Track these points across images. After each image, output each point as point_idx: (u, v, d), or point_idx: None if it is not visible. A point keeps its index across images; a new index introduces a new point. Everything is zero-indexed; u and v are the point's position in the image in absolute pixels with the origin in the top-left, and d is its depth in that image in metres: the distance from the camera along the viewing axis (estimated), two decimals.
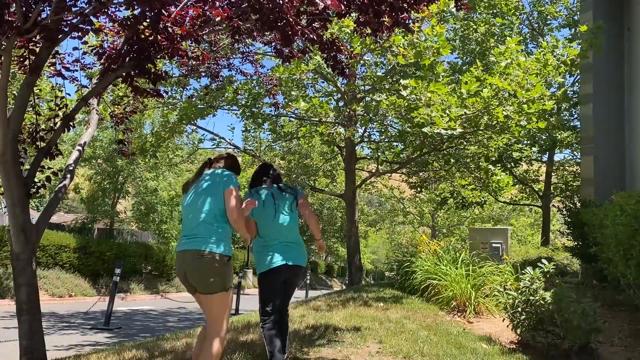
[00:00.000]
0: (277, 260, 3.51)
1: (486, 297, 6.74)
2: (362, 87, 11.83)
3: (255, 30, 3.93)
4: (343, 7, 3.51)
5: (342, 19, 4.14)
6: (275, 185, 3.71)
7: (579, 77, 12.33)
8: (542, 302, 4.49)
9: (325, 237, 34.59)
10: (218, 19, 3.48)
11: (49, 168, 4.29)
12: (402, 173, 14.91)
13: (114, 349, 4.75)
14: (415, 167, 13.81)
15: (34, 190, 3.88)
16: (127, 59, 3.58)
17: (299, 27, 3.39)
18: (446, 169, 12.85)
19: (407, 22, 3.92)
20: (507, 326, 5.04)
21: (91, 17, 3.51)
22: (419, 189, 15.57)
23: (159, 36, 3.41)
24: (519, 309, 4.71)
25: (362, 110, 10.80)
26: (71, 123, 4.14)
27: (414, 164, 13.24)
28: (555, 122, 13.50)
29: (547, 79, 9.36)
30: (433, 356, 4.24)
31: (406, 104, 8.47)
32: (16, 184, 3.57)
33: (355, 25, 3.93)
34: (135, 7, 3.31)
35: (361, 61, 10.61)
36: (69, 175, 4.22)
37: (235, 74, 12.23)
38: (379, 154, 13.72)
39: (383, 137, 13.67)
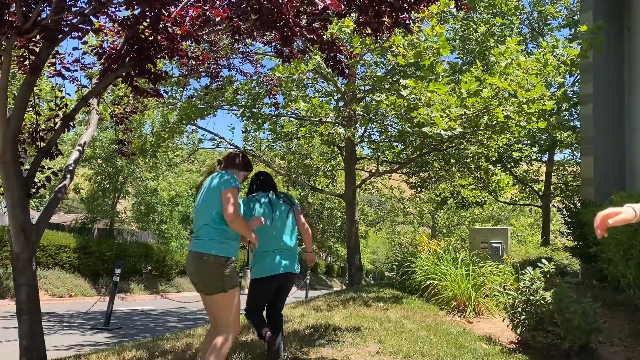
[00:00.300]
0: (273, 267, 3.55)
1: (486, 297, 6.74)
2: (362, 87, 11.83)
3: (255, 30, 3.94)
4: (343, 7, 3.51)
5: (342, 19, 4.14)
6: (272, 192, 3.73)
7: (579, 77, 12.33)
8: (542, 302, 4.49)
9: (325, 237, 34.62)
10: (218, 19, 3.48)
11: (49, 168, 4.29)
12: (402, 173, 14.90)
13: (114, 349, 4.75)
14: (415, 167, 13.81)
15: (34, 190, 3.88)
16: (127, 59, 3.58)
17: (298, 27, 3.39)
18: (446, 169, 12.85)
19: (407, 22, 3.92)
20: (507, 326, 5.04)
21: (91, 17, 3.51)
22: (419, 189, 15.57)
23: (159, 36, 3.41)
24: (519, 309, 4.71)
25: (362, 110, 10.80)
26: (71, 123, 4.14)
27: (414, 164, 13.23)
28: (555, 122, 13.50)
29: (547, 79, 9.36)
30: (433, 356, 4.25)
31: (406, 104, 8.47)
32: (16, 184, 3.57)
33: (355, 26, 3.94)
34: (135, 7, 3.31)
35: (361, 61, 10.61)
36: (69, 175, 4.22)
37: (235, 74, 12.26)
38: (379, 154, 13.72)
39: (383, 137, 13.67)
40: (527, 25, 16.57)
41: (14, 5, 3.08)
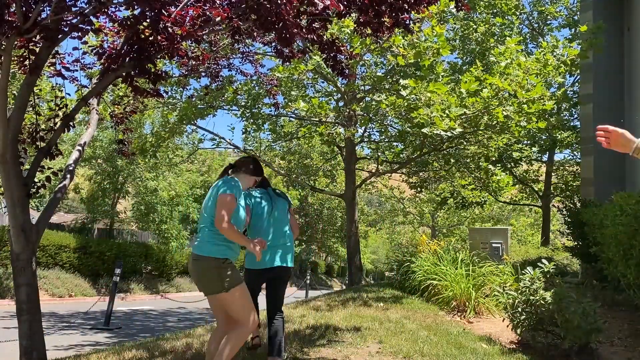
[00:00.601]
0: (265, 261, 3.61)
1: (486, 297, 6.74)
2: (362, 87, 11.83)
3: (255, 31, 3.94)
4: (342, 7, 3.51)
5: (342, 19, 4.14)
6: (270, 189, 3.83)
7: (579, 77, 12.33)
8: (542, 302, 4.49)
9: (325, 237, 34.61)
10: (218, 19, 3.48)
11: (49, 168, 4.28)
12: (402, 173, 14.90)
13: (114, 349, 4.75)
14: (415, 167, 13.80)
15: (34, 190, 3.88)
16: (127, 59, 3.58)
17: (296, 29, 3.39)
18: (446, 169, 12.85)
19: (407, 22, 3.92)
20: (507, 326, 5.04)
21: (91, 17, 3.51)
22: (419, 189, 15.57)
23: (159, 36, 3.41)
24: (519, 309, 4.71)
25: (362, 110, 10.80)
26: (71, 123, 4.14)
27: (414, 164, 13.23)
28: (555, 122, 13.51)
29: (547, 79, 9.36)
30: (433, 356, 4.25)
31: (406, 104, 8.47)
32: (16, 184, 3.57)
33: (355, 26, 3.94)
34: (135, 7, 3.31)
35: (361, 61, 10.61)
36: (69, 175, 4.22)
37: (235, 74, 12.24)
38: (379, 154, 13.72)
39: (383, 137, 13.67)
40: (527, 25, 16.57)
41: (14, 5, 3.08)
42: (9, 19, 3.12)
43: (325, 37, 3.99)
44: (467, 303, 6.60)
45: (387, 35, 4.20)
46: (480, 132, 9.61)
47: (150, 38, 3.47)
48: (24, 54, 3.82)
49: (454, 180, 14.19)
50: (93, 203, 20.35)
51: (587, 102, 9.18)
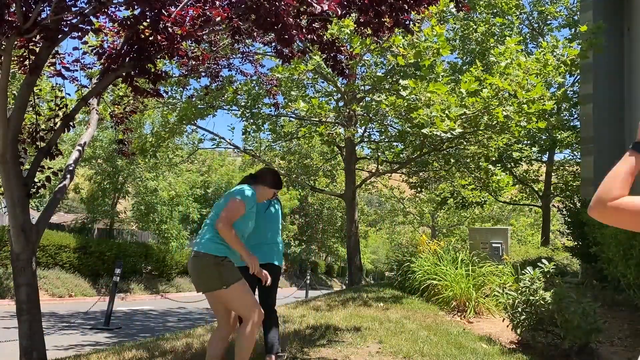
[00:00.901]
0: (260, 258, 3.62)
1: (486, 297, 6.74)
2: (362, 87, 11.83)
3: (255, 31, 3.94)
4: (339, 12, 3.51)
5: (342, 19, 4.14)
6: None
7: (579, 77, 12.33)
8: (542, 302, 4.49)
9: (326, 237, 34.62)
10: (218, 19, 3.48)
11: (49, 168, 4.28)
12: (402, 173, 14.90)
13: (114, 349, 4.75)
14: (415, 167, 13.80)
15: (34, 190, 3.88)
16: (127, 59, 3.58)
17: (296, 30, 3.39)
18: (446, 169, 12.85)
19: (407, 22, 3.92)
20: (507, 326, 5.04)
21: (91, 17, 3.51)
22: (419, 189, 15.56)
23: (159, 36, 3.41)
24: (519, 309, 4.71)
25: (362, 110, 10.80)
26: (71, 123, 4.14)
27: (414, 164, 13.23)
28: (555, 122, 13.50)
29: (547, 79, 9.36)
30: (433, 356, 4.25)
31: (406, 104, 8.47)
32: (16, 184, 3.57)
33: (355, 26, 3.94)
34: (135, 7, 3.31)
35: (361, 61, 10.61)
36: (69, 175, 4.21)
37: (235, 74, 12.24)
38: (379, 154, 13.72)
39: (383, 137, 13.67)
40: (527, 25, 16.57)
41: (14, 5, 3.08)
42: (9, 19, 3.12)
43: (325, 37, 3.99)
44: (467, 303, 6.60)
45: (387, 36, 4.21)
46: (480, 132, 9.61)
47: (150, 38, 3.47)
48: (24, 54, 3.82)
49: (454, 180, 14.18)
50: (93, 203, 20.35)
51: (587, 102, 9.18)
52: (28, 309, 3.55)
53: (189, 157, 19.44)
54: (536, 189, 18.16)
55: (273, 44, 4.31)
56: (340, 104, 12.55)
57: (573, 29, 14.57)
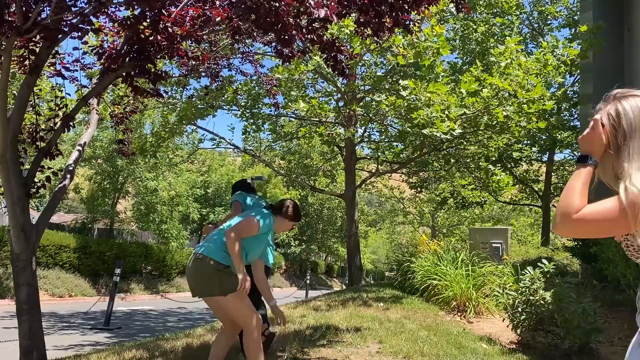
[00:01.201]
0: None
1: (486, 297, 6.74)
2: (362, 87, 11.82)
3: (255, 31, 3.94)
4: (336, 19, 3.51)
5: (342, 19, 4.14)
6: (256, 196, 4.31)
7: (579, 77, 12.33)
8: (542, 302, 4.49)
9: (326, 237, 34.62)
10: (218, 19, 3.48)
11: (49, 168, 4.28)
12: (402, 173, 14.89)
13: (114, 349, 4.75)
14: (415, 167, 13.80)
15: (34, 190, 3.88)
16: (127, 59, 3.58)
17: (295, 30, 3.39)
18: (446, 169, 12.85)
19: (407, 22, 3.92)
20: (507, 326, 5.04)
21: (91, 17, 3.51)
22: (419, 189, 15.56)
23: (159, 36, 3.41)
24: (519, 309, 4.71)
25: (362, 110, 10.80)
26: (71, 123, 4.14)
27: (414, 164, 13.23)
28: (555, 122, 13.50)
29: (547, 79, 9.36)
30: (433, 356, 4.24)
31: (406, 104, 8.47)
32: (16, 184, 3.57)
33: (355, 26, 3.94)
34: (135, 7, 3.31)
35: (361, 61, 10.61)
36: (69, 175, 4.22)
37: (235, 74, 12.21)
38: (379, 154, 13.72)
39: (383, 137, 13.66)
40: (527, 25, 16.56)
41: (14, 5, 3.08)
42: (9, 19, 3.12)
43: (325, 37, 3.99)
44: (467, 303, 6.60)
45: (387, 36, 4.21)
46: (480, 132, 9.61)
47: (150, 38, 3.47)
48: (24, 54, 3.82)
49: (454, 180, 14.18)
50: (93, 203, 20.36)
51: (587, 102, 9.19)
52: (28, 309, 3.55)
53: (189, 157, 19.44)
54: (536, 189, 18.15)
55: (273, 44, 4.31)
56: (340, 104, 12.55)
57: (573, 29, 14.57)
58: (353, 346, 4.53)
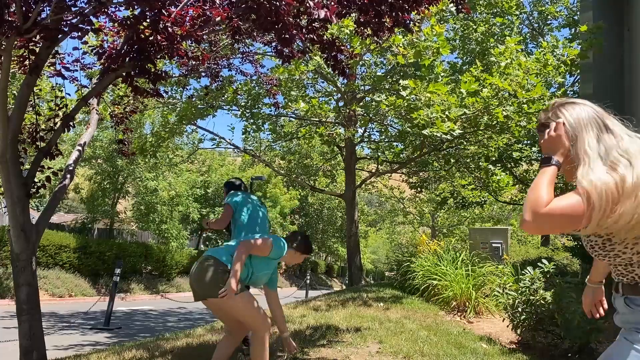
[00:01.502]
0: None
1: (486, 297, 6.74)
2: (362, 87, 11.82)
3: (255, 30, 3.94)
4: (335, 20, 3.52)
5: (342, 19, 4.14)
6: (253, 195, 4.45)
7: (579, 77, 12.33)
8: (542, 302, 4.49)
9: (325, 237, 34.62)
10: (218, 19, 3.48)
11: (49, 168, 4.28)
12: (402, 173, 14.89)
13: (114, 349, 4.75)
14: (415, 167, 13.80)
15: (34, 190, 3.88)
16: (127, 59, 3.58)
17: (296, 29, 3.39)
18: (446, 169, 12.85)
19: (407, 22, 3.91)
20: (507, 326, 5.04)
21: (91, 17, 3.51)
22: (419, 189, 15.55)
23: (159, 36, 3.41)
24: (519, 309, 4.71)
25: (362, 110, 10.80)
26: (71, 123, 4.14)
27: (414, 164, 13.23)
28: None
29: (547, 79, 9.35)
30: (433, 356, 4.24)
31: (406, 104, 8.47)
32: (16, 184, 3.57)
33: (355, 26, 3.94)
34: (135, 7, 3.31)
35: (361, 61, 10.60)
36: (69, 175, 4.21)
37: (235, 74, 12.22)
38: (379, 154, 13.72)
39: (383, 137, 13.66)
40: (527, 25, 16.56)
41: (14, 5, 3.08)
42: (9, 18, 3.12)
43: (325, 37, 3.99)
44: (467, 303, 6.60)
45: (387, 36, 4.21)
46: (480, 132, 9.61)
47: (150, 38, 3.47)
48: (24, 54, 3.82)
49: (454, 180, 14.18)
50: (93, 203, 20.35)
51: None
52: (28, 309, 3.55)
53: (189, 157, 19.43)
54: None
55: (273, 44, 4.31)
56: (340, 104, 12.55)
57: (573, 29, 14.57)
58: (353, 346, 4.53)
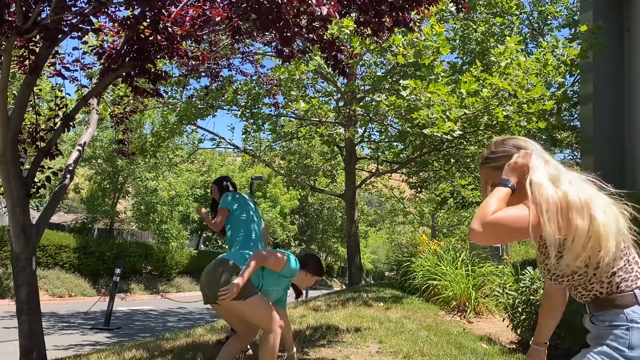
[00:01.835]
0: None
1: (486, 297, 6.74)
2: (362, 87, 11.81)
3: (255, 30, 3.94)
4: (338, 17, 3.52)
5: (342, 19, 4.14)
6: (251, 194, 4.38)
7: (579, 77, 12.33)
8: None
9: (326, 237, 34.62)
10: (218, 19, 3.48)
11: (49, 168, 4.29)
12: (402, 173, 14.89)
13: (114, 349, 4.75)
14: (415, 167, 13.80)
15: (34, 190, 3.88)
16: (127, 59, 3.58)
17: (297, 28, 3.39)
18: (446, 169, 12.85)
19: (407, 21, 3.92)
20: (507, 326, 5.04)
21: (91, 17, 3.51)
22: (419, 189, 15.55)
23: (159, 36, 3.41)
24: (519, 309, 4.71)
25: (362, 110, 10.80)
26: (71, 123, 4.14)
27: (414, 164, 13.23)
28: (555, 122, 13.49)
29: (547, 79, 9.35)
30: (433, 356, 4.24)
31: (406, 104, 8.47)
32: (16, 184, 3.57)
33: (355, 26, 3.94)
34: (135, 7, 3.31)
35: (361, 61, 10.60)
36: (69, 175, 4.22)
37: (235, 74, 12.22)
38: (379, 154, 13.72)
39: (383, 137, 13.66)
40: (527, 25, 16.55)
41: (14, 5, 3.08)
42: (9, 18, 3.12)
43: (325, 36, 3.99)
44: (467, 303, 6.60)
45: (387, 36, 4.21)
46: (480, 132, 9.61)
47: (150, 38, 3.47)
48: (24, 54, 3.82)
49: (454, 180, 14.18)
50: (93, 203, 20.35)
51: (587, 102, 9.18)
52: (28, 309, 3.55)
53: (189, 157, 19.44)
54: None
55: (273, 43, 4.31)
56: (340, 104, 12.55)
57: (573, 29, 14.56)
58: (353, 346, 4.53)
